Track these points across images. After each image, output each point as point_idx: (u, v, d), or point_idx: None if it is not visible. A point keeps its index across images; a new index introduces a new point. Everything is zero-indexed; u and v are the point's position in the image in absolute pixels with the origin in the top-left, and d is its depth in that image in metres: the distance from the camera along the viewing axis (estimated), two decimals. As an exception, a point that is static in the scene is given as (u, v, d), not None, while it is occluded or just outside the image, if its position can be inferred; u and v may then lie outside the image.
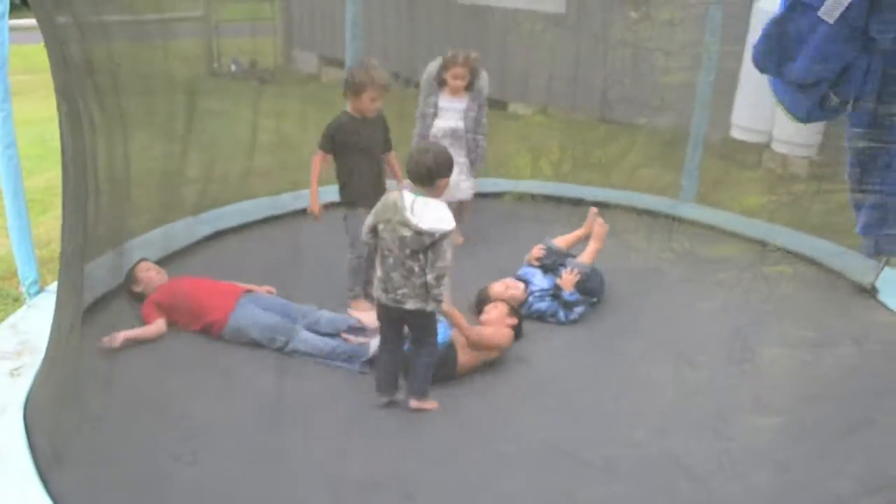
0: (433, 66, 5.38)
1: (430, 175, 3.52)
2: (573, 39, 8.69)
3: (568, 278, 4.65)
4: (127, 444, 3.27)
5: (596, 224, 4.97)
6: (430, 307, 3.58)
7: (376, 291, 3.68)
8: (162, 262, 4.99)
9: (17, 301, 4.65)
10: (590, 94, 8.53)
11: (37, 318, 4.29)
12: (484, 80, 5.38)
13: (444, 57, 5.28)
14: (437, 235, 3.44)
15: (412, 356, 3.74)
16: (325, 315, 4.40)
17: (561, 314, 4.57)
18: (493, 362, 4.12)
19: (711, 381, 3.95)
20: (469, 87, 5.29)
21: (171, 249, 5.24)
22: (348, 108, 4.46)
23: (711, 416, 3.66)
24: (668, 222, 5.93)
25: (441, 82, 5.32)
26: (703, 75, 6.09)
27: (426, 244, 3.46)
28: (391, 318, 3.68)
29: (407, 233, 3.47)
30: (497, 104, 9.62)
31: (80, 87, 3.47)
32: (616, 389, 3.93)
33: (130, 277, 4.54)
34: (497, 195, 6.53)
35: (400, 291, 3.55)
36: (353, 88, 4.35)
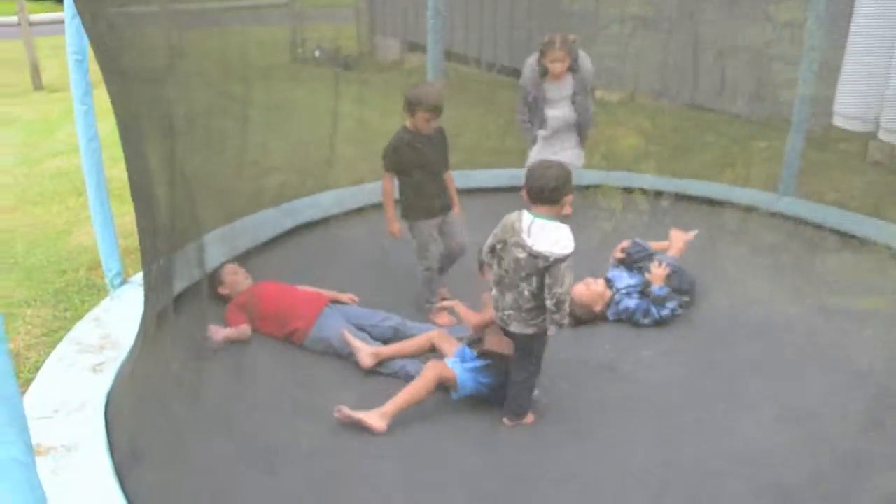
0: (531, 59, 5.22)
1: (552, 193, 3.32)
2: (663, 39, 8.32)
3: (658, 272, 4.41)
4: (206, 451, 3.16)
5: (682, 234, 4.73)
6: (531, 331, 3.43)
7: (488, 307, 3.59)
8: (243, 257, 4.91)
9: (102, 292, 4.63)
10: (682, 81, 8.14)
11: (120, 310, 4.26)
12: (586, 61, 5.22)
13: (541, 43, 5.11)
14: (551, 259, 3.26)
15: (512, 376, 3.58)
16: (411, 322, 4.30)
17: (653, 310, 4.29)
18: (584, 371, 3.87)
19: (820, 395, 3.63)
20: (571, 70, 5.14)
21: (253, 243, 5.14)
22: (407, 123, 4.35)
23: (818, 436, 3.36)
24: (767, 218, 5.58)
25: (542, 71, 5.17)
26: (805, 62, 5.66)
27: (540, 267, 3.29)
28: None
29: (522, 255, 3.32)
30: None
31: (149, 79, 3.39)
32: (716, 406, 3.63)
33: (216, 279, 4.47)
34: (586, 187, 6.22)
35: (507, 312, 3.45)
36: (409, 107, 4.28)
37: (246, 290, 4.41)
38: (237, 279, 4.50)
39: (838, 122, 7.16)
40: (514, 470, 3.30)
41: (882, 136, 6.98)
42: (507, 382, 3.61)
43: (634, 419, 3.59)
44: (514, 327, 3.45)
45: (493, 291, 3.52)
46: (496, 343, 3.60)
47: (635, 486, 3.13)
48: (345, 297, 4.51)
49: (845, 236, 5.30)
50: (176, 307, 3.40)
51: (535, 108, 5.29)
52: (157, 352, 3.35)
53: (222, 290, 4.46)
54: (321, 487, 3.11)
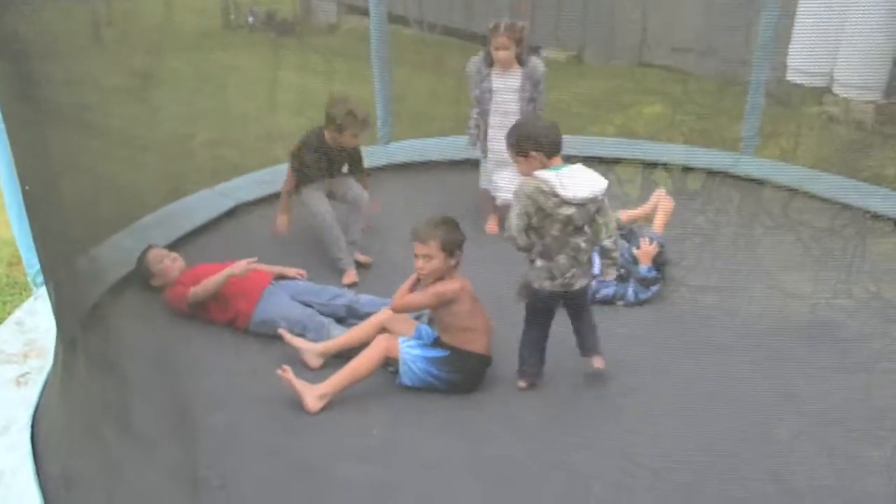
0: (475, 57, 4.82)
1: (558, 138, 3.26)
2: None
3: (647, 250, 4.11)
4: (146, 471, 2.80)
5: (663, 198, 4.40)
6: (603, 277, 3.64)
7: (537, 283, 3.31)
8: (179, 242, 4.54)
9: (26, 291, 4.20)
10: (629, 38, 7.88)
11: (45, 311, 3.81)
12: (537, 61, 4.82)
13: (489, 28, 4.68)
14: (600, 198, 3.23)
15: (581, 323, 3.48)
16: (365, 297, 4.01)
17: (630, 293, 4.03)
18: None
19: (815, 377, 3.41)
20: (520, 61, 4.68)
21: (189, 227, 4.75)
22: (326, 134, 4.41)
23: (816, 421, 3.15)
24: (729, 179, 5.35)
25: (489, 60, 4.70)
26: (763, 14, 5.41)
27: (592, 212, 3.24)
28: (550, 305, 3.40)
29: (570, 211, 3.19)
30: (532, 49, 9.00)
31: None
32: (697, 390, 3.38)
33: (143, 271, 4.04)
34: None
35: (568, 274, 3.30)
36: (334, 122, 4.32)
37: (181, 278, 4.00)
38: (167, 266, 4.06)
39: (792, 76, 6.98)
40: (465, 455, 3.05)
41: (837, 90, 6.83)
42: (465, 379, 3.39)
43: (606, 401, 3.39)
44: (580, 283, 3.34)
45: (537, 263, 3.29)
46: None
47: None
48: (291, 271, 4.19)
49: (812, 197, 5.09)
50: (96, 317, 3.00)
51: (480, 106, 4.79)
52: (74, 377, 2.96)
53: (154, 283, 4.04)
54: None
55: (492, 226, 4.90)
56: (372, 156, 5.60)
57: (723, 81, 6.66)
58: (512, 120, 4.44)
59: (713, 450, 3.02)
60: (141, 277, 4.01)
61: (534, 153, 3.22)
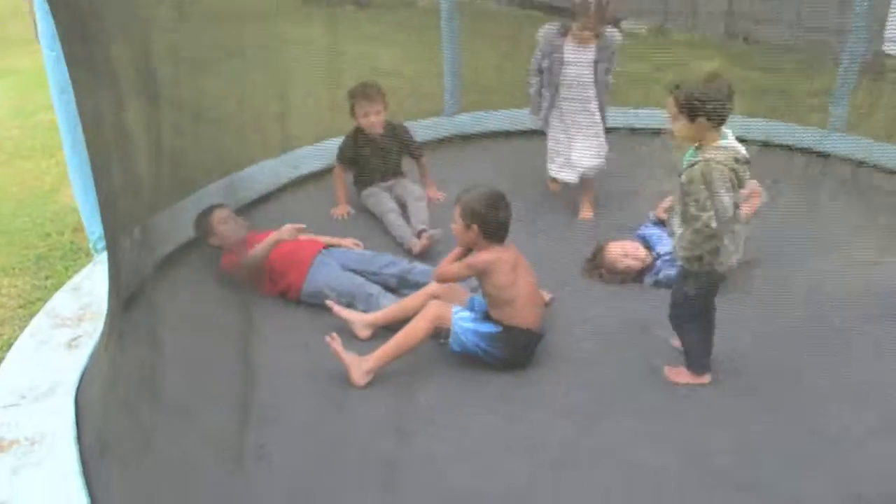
0: (547, 25, 4.47)
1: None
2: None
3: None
4: (184, 441, 2.74)
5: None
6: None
7: (720, 262, 2.96)
8: (243, 210, 4.46)
9: (88, 257, 4.21)
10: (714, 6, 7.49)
11: (102, 277, 3.80)
12: (614, 32, 4.45)
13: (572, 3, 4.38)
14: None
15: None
16: (419, 266, 3.89)
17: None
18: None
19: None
20: (597, 34, 4.33)
21: (252, 196, 4.66)
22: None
23: None
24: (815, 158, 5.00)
25: (563, 30, 4.37)
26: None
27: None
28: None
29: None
30: (614, 21, 8.68)
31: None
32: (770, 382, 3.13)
33: (205, 226, 3.86)
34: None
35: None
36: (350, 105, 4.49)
37: (236, 246, 3.84)
38: (229, 227, 3.84)
39: (891, 48, 6.51)
40: (525, 440, 2.88)
41: (939, 63, 6.33)
42: (514, 355, 3.22)
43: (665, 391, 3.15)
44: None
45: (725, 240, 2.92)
46: None
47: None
48: (346, 241, 4.10)
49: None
50: (150, 284, 2.94)
51: (549, 78, 4.43)
52: (122, 344, 2.91)
53: (212, 241, 3.88)
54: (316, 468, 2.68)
55: (586, 213, 4.62)
56: (437, 127, 5.50)
57: (813, 54, 6.26)
58: (585, 93, 4.35)
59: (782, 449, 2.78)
60: (201, 233, 3.84)
61: (711, 119, 2.84)
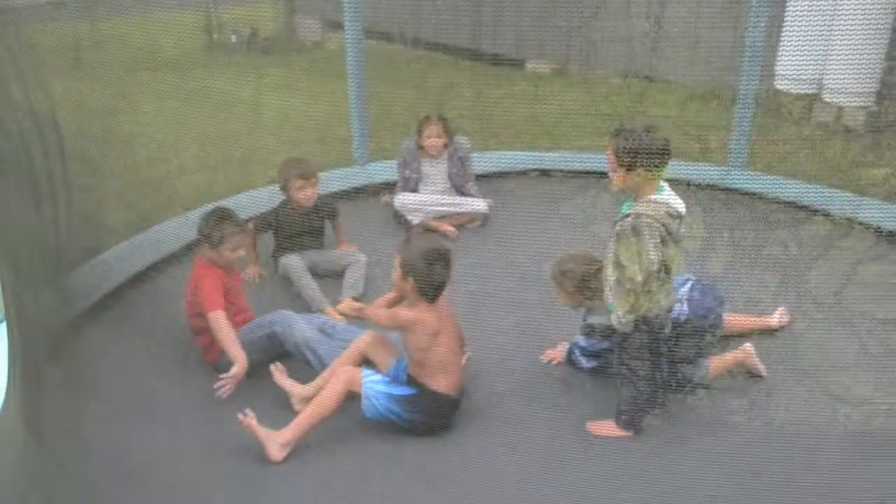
0: (408, 142, 5.06)
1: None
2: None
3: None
4: None
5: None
6: None
7: (655, 311, 2.94)
8: (149, 271, 4.26)
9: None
10: (613, 49, 7.60)
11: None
12: (463, 141, 5.08)
13: (418, 120, 4.98)
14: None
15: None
16: (340, 323, 3.79)
17: None
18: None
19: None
20: (446, 145, 4.98)
21: (159, 255, 4.42)
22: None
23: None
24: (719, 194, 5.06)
25: (419, 147, 4.98)
26: (751, 23, 5.12)
27: None
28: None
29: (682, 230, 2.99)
30: (513, 63, 8.74)
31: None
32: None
33: (212, 235, 3.47)
34: (512, 174, 5.68)
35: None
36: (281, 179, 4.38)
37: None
38: (234, 253, 3.52)
39: (781, 84, 6.73)
40: None
41: (827, 97, 6.57)
42: (427, 421, 3.09)
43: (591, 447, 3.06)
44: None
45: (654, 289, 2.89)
46: None
47: None
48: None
49: (806, 210, 4.80)
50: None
51: (411, 185, 5.07)
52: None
53: (208, 252, 3.51)
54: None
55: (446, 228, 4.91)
56: (349, 177, 5.37)
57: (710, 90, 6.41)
58: (443, 191, 4.98)
59: None
60: (207, 235, 3.50)
61: (646, 169, 2.85)
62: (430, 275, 3.04)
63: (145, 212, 4.88)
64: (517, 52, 8.79)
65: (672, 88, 7.00)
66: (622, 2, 7.55)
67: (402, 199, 4.98)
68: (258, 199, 4.98)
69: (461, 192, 5.04)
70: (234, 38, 9.79)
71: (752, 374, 3.41)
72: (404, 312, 3.10)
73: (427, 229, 4.88)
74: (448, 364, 3.11)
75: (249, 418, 3.01)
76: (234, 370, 3.26)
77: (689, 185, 4.78)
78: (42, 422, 2.61)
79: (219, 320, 3.34)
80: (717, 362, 3.38)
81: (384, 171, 5.50)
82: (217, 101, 7.14)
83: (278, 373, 3.34)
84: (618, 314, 2.96)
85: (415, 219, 4.92)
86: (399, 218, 4.99)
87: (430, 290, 3.06)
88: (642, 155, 2.83)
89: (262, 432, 2.99)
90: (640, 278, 2.84)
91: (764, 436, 3.04)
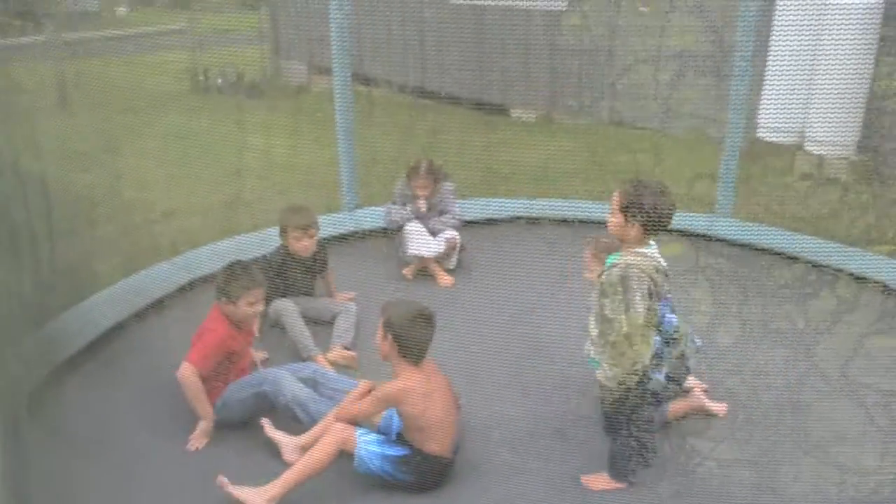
0: (400, 183, 5.12)
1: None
2: (577, 38, 7.83)
3: None
4: None
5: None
6: None
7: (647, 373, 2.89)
8: (132, 320, 4.19)
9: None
10: (598, 97, 7.69)
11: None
12: (449, 186, 5.13)
13: (408, 169, 5.04)
14: None
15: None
16: (331, 373, 3.70)
17: None
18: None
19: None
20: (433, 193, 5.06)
21: (142, 304, 4.35)
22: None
23: None
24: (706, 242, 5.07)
25: (412, 196, 5.04)
26: (736, 76, 5.18)
27: None
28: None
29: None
30: (498, 109, 8.81)
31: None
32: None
33: (228, 289, 3.42)
34: (500, 221, 5.66)
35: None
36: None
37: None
38: (254, 310, 3.47)
39: (763, 134, 6.80)
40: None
41: (809, 147, 6.64)
42: (420, 481, 3.02)
43: None
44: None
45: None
46: None
47: None
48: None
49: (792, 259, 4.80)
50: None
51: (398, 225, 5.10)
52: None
53: (228, 308, 3.44)
54: None
55: (443, 279, 4.90)
56: (337, 223, 5.33)
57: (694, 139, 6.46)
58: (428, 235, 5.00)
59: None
60: (223, 287, 3.44)
61: (646, 228, 2.87)
62: (412, 335, 2.96)
63: (129, 257, 4.82)
64: (502, 99, 8.86)
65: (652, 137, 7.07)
66: (607, 53, 7.66)
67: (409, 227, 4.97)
68: (244, 245, 4.93)
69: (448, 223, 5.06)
70: (220, 82, 9.81)
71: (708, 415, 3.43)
72: (387, 388, 3.00)
73: (423, 270, 4.91)
74: (441, 424, 3.02)
75: (225, 484, 2.92)
76: (201, 427, 3.27)
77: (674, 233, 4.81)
78: (27, 486, 2.51)
79: (185, 374, 3.26)
80: (674, 408, 3.38)
81: (372, 216, 5.47)
82: (202, 144, 7.14)
83: (268, 427, 3.26)
84: (603, 369, 2.92)
85: (414, 249, 4.90)
86: (400, 247, 4.99)
87: (414, 349, 2.98)
88: (649, 214, 2.84)
89: (244, 492, 2.89)
90: (625, 330, 2.80)
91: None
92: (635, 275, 2.81)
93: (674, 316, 3.03)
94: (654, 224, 2.86)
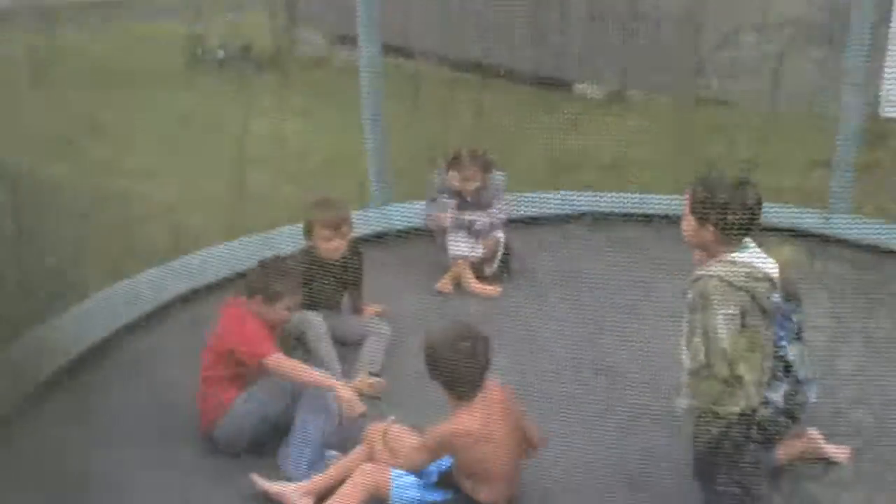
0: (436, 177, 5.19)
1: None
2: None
3: None
4: None
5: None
6: None
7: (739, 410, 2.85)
8: (119, 335, 4.28)
9: None
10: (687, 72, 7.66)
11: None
12: (499, 178, 5.15)
13: (448, 157, 5.10)
14: None
15: None
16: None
17: None
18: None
19: None
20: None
21: (133, 316, 4.45)
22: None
23: None
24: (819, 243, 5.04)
25: (452, 190, 5.07)
26: (854, 45, 5.12)
27: None
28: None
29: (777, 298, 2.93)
30: (558, 84, 8.80)
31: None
32: None
33: (258, 286, 3.60)
34: (560, 219, 5.65)
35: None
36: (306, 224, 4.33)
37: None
38: (289, 315, 3.72)
39: (889, 111, 6.71)
40: None
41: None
42: None
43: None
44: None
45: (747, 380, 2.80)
46: None
47: None
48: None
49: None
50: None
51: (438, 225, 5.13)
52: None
53: (261, 308, 3.58)
54: None
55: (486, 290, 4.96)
56: (364, 222, 5.33)
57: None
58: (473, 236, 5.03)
59: None
60: (257, 287, 3.60)
61: (722, 229, 2.86)
62: (456, 366, 2.93)
63: (113, 262, 4.90)
64: (562, 72, 8.85)
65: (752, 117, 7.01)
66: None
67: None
68: (251, 248, 4.99)
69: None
70: (221, 54, 9.94)
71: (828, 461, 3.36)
72: (436, 433, 2.99)
73: (460, 284, 4.91)
74: (501, 472, 3.01)
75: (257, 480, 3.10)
76: (343, 395, 3.40)
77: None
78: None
79: (281, 362, 3.41)
80: (785, 447, 3.30)
81: (405, 214, 5.49)
82: (201, 128, 7.23)
83: (260, 481, 3.28)
84: (680, 401, 2.90)
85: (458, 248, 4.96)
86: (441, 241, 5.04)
87: (462, 384, 2.96)
88: (723, 213, 2.83)
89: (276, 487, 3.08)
90: (701, 357, 2.78)
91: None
92: (718, 289, 2.78)
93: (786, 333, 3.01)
94: (735, 225, 2.82)
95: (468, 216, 5.03)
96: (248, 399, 3.51)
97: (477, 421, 2.93)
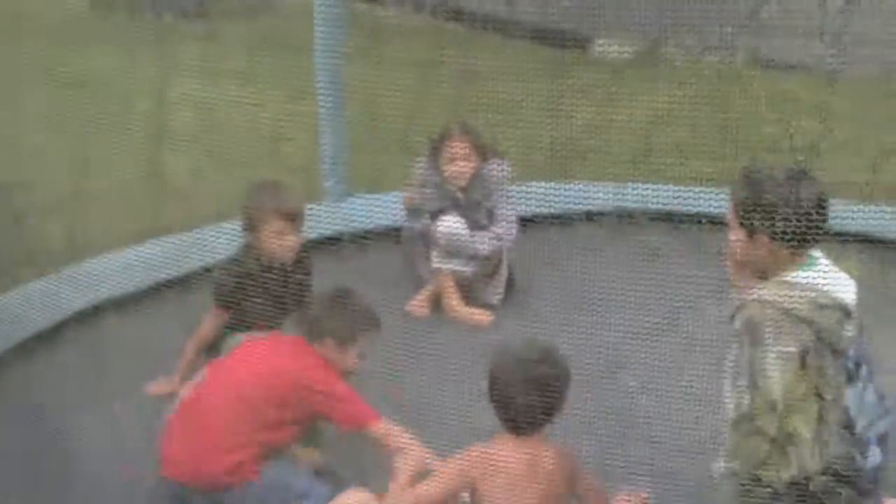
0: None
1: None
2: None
3: None
4: None
5: None
6: None
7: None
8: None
9: None
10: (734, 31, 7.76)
11: None
12: (499, 170, 5.29)
13: (433, 138, 5.25)
14: None
15: None
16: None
17: None
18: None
19: None
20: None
21: (14, 338, 4.57)
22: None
23: None
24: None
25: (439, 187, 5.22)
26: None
27: None
28: None
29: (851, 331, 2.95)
30: (572, 40, 8.86)
31: None
32: None
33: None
34: (574, 218, 5.74)
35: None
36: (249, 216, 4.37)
37: None
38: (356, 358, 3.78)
39: None
40: None
41: None
42: None
43: None
44: None
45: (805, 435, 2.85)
46: None
47: None
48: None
49: None
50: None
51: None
52: None
53: (332, 354, 3.69)
54: None
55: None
56: (318, 220, 5.38)
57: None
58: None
59: None
60: (321, 324, 3.72)
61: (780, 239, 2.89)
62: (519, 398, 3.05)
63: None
64: (580, 26, 8.92)
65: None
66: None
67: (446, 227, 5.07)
68: (168, 251, 5.09)
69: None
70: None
71: None
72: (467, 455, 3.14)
73: (440, 306, 5.01)
74: None
75: None
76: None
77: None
78: None
79: (392, 433, 3.51)
80: None
81: (369, 209, 5.55)
82: (105, 92, 7.25)
83: None
84: (717, 464, 2.99)
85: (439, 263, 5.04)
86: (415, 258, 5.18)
87: (517, 416, 3.07)
88: (776, 218, 2.86)
89: None
90: (745, 407, 2.85)
91: None
92: (767, 318, 2.82)
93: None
94: (787, 232, 2.86)
95: (467, 241, 5.10)
96: (280, 472, 3.58)
97: (522, 455, 3.08)
